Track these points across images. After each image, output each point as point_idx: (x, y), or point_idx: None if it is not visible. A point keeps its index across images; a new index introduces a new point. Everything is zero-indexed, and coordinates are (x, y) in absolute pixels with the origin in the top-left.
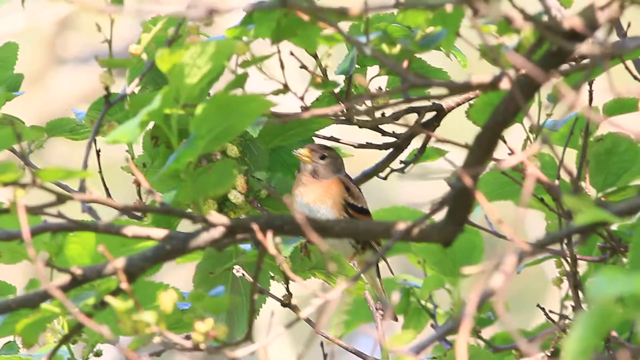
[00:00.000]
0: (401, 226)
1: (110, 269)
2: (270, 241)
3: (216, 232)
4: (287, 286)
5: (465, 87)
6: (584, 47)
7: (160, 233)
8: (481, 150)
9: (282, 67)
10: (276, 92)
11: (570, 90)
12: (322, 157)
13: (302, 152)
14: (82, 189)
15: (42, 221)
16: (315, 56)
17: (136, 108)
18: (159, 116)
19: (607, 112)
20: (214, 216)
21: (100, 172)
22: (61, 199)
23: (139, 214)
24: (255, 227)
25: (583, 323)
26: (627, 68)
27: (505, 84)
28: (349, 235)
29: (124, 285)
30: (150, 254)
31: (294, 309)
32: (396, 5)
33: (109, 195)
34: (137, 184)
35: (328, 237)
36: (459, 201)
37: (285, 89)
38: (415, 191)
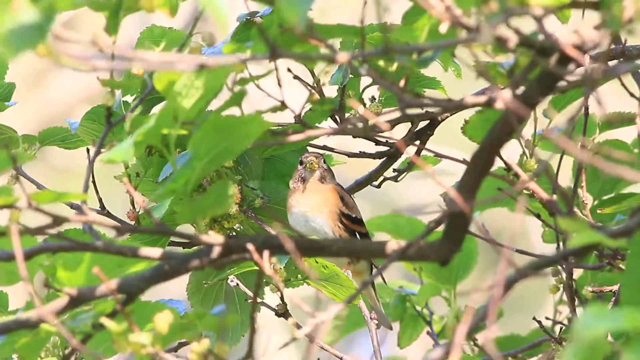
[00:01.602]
0: (397, 246)
1: (106, 290)
2: (266, 261)
3: (213, 252)
4: (282, 295)
5: (460, 106)
6: (575, 73)
7: (158, 253)
8: (477, 171)
9: (280, 85)
10: (274, 109)
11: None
12: (324, 162)
13: (312, 158)
14: (81, 209)
15: (42, 241)
16: (312, 72)
17: (136, 129)
18: (155, 136)
19: (602, 127)
20: (211, 236)
21: (93, 180)
22: (57, 221)
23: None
24: (251, 247)
25: (571, 358)
26: (623, 85)
27: (500, 104)
28: (346, 254)
29: (119, 307)
30: (149, 274)
31: (289, 318)
32: (385, 50)
33: (102, 205)
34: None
35: (325, 256)
36: (456, 220)
37: (283, 106)
38: (414, 192)
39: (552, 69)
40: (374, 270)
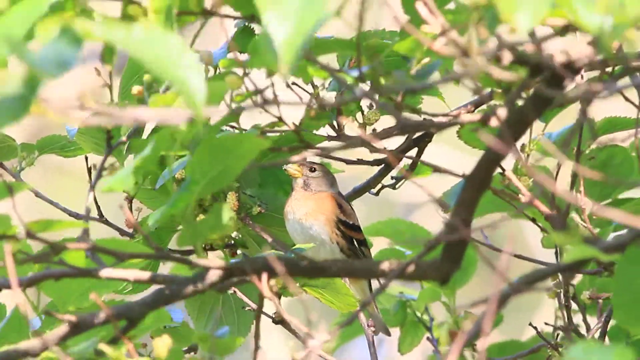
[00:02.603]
0: (396, 265)
1: (107, 316)
2: (265, 284)
3: (214, 276)
4: (279, 303)
5: (456, 123)
6: (572, 88)
7: (163, 278)
8: (474, 189)
9: (277, 104)
10: (271, 125)
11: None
12: (312, 170)
13: (291, 167)
14: (84, 237)
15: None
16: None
17: (137, 152)
18: (153, 161)
19: (600, 130)
20: (212, 260)
21: (92, 189)
22: (56, 249)
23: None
24: (250, 270)
25: None
26: (624, 97)
27: (496, 121)
28: (346, 275)
29: (119, 333)
30: (150, 299)
31: (286, 325)
32: (372, 92)
33: (100, 213)
34: (129, 200)
35: (325, 277)
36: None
37: (280, 121)
38: (414, 190)
39: (545, 88)
40: (372, 281)
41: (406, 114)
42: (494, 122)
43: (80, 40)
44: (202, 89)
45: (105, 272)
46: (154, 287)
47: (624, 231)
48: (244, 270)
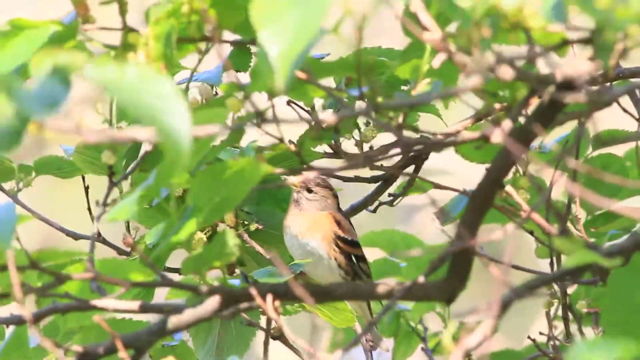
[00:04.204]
0: (401, 287)
1: (114, 345)
2: (270, 305)
3: (216, 302)
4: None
5: (455, 142)
6: (572, 98)
7: (171, 307)
8: (478, 208)
9: (277, 123)
10: (273, 147)
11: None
12: (309, 191)
13: (293, 179)
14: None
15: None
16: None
17: (139, 184)
18: (156, 191)
19: (596, 145)
20: (216, 287)
21: (88, 207)
22: (60, 279)
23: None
24: (254, 292)
25: None
26: (621, 107)
27: (496, 138)
28: (351, 298)
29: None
30: (156, 328)
31: (284, 341)
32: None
33: (98, 233)
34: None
35: (330, 301)
36: (459, 258)
37: (282, 143)
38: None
39: (552, 98)
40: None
41: (406, 133)
42: (495, 139)
43: (70, 81)
44: (187, 140)
45: (110, 304)
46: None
47: (622, 239)
48: (250, 296)
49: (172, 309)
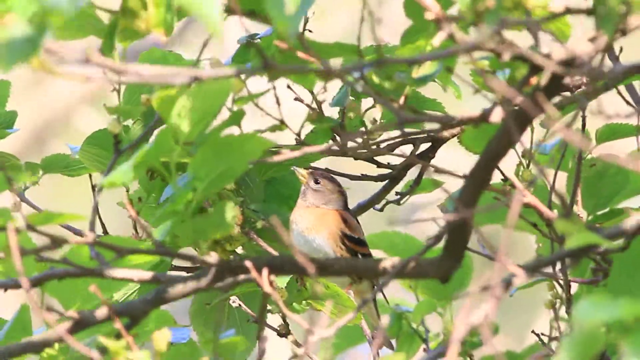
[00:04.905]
0: (397, 263)
1: (109, 313)
2: (265, 279)
3: (215, 273)
4: (284, 316)
5: (456, 121)
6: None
7: (165, 277)
8: (475, 185)
9: (278, 103)
10: (273, 129)
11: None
12: (316, 182)
13: (301, 171)
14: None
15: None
16: (311, 91)
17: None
18: (155, 158)
19: (600, 138)
20: (213, 257)
21: (96, 206)
22: (56, 243)
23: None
24: (250, 265)
25: (568, 348)
26: (619, 93)
27: (496, 117)
28: (348, 273)
29: (123, 330)
30: (151, 297)
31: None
32: (380, 63)
33: (105, 230)
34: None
35: (327, 275)
36: (456, 236)
37: (282, 125)
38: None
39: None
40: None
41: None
42: (494, 118)
43: None
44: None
45: (109, 272)
46: None
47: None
48: (246, 268)
49: (169, 280)
